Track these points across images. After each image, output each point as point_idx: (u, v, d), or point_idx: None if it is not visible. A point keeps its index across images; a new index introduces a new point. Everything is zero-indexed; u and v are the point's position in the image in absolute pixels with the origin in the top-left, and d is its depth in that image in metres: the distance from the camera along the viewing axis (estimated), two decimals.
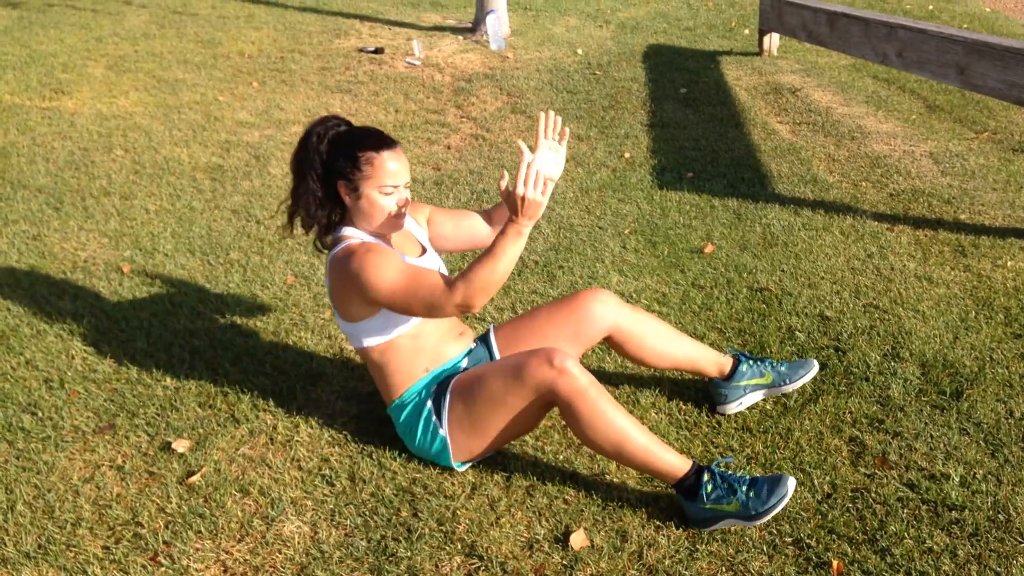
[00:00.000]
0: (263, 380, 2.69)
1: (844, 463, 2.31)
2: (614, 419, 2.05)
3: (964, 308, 3.08)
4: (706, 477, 2.05)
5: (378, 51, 6.61)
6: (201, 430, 2.45)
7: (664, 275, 3.42)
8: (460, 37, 7.25)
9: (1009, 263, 3.40)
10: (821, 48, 6.38)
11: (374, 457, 2.34)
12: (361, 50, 6.68)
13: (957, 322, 2.99)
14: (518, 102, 5.72)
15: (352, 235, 2.22)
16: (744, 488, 2.04)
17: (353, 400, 2.60)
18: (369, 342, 2.23)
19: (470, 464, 2.32)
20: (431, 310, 2.02)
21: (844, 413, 2.52)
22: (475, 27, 7.37)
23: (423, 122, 5.31)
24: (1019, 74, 3.55)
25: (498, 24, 7.12)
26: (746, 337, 2.94)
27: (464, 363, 2.38)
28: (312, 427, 2.46)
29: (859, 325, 3.00)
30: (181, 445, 2.38)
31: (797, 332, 2.96)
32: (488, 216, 2.55)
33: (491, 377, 2.17)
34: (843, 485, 2.23)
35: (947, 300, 3.14)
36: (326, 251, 2.29)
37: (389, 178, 2.17)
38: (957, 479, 2.23)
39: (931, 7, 7.13)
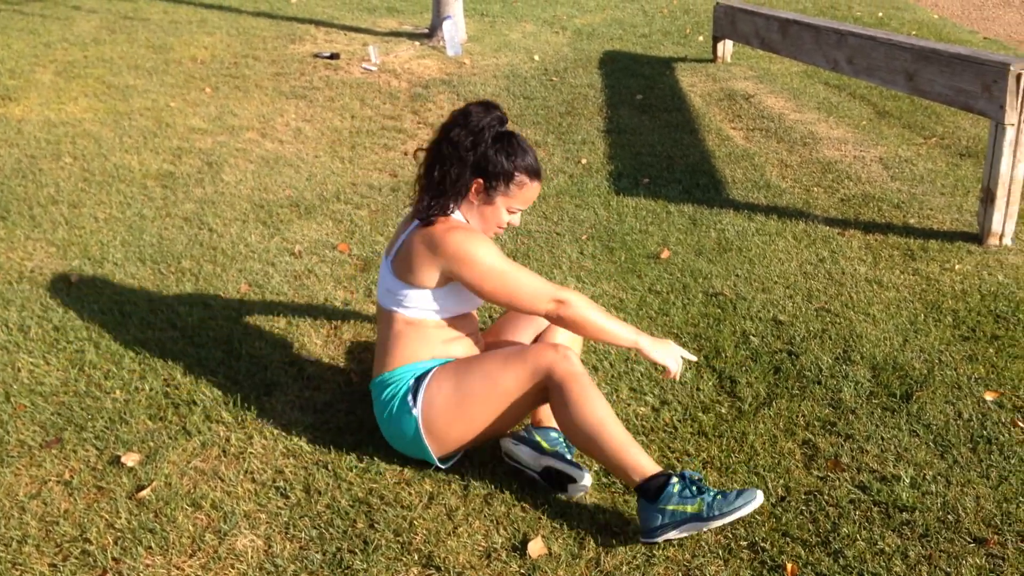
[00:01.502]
0: (216, 391, 2.65)
1: (798, 466, 2.34)
2: (599, 406, 2.10)
3: (913, 311, 3.14)
4: (675, 479, 2.04)
5: (334, 56, 6.57)
6: (152, 443, 2.41)
7: (621, 280, 3.44)
8: (417, 43, 7.23)
9: (957, 266, 3.46)
10: (774, 55, 6.46)
11: (330, 468, 2.31)
12: (316, 55, 6.63)
13: (907, 325, 3.04)
14: None
15: (461, 220, 2.28)
16: (713, 492, 2.04)
17: (308, 410, 2.57)
18: (406, 308, 2.27)
19: (451, 462, 2.31)
20: (533, 299, 2.18)
21: (797, 416, 2.55)
22: (432, 33, 7.35)
23: (379, 128, 5.29)
24: (966, 80, 3.62)
25: (455, 30, 7.11)
26: (702, 342, 2.96)
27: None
28: (266, 438, 2.43)
29: (811, 329, 3.03)
30: (131, 459, 2.33)
31: (751, 336, 2.99)
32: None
33: (488, 358, 2.23)
34: (797, 488, 2.25)
35: (897, 303, 3.20)
36: (419, 218, 2.25)
37: (524, 204, 2.31)
38: (907, 480, 2.26)
39: (880, 14, 7.25)
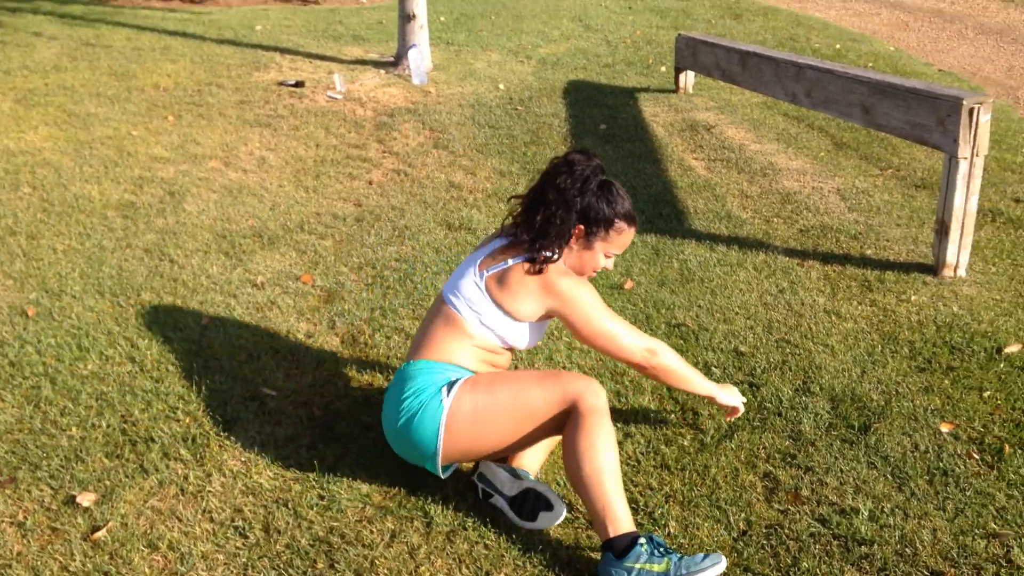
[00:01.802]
0: (174, 427, 2.62)
1: (759, 499, 2.35)
2: (610, 451, 2.14)
3: (871, 342, 3.18)
4: (643, 540, 2.05)
5: (299, 84, 6.57)
6: (108, 482, 2.37)
7: None
8: (382, 71, 7.25)
9: (913, 297, 3.52)
10: (734, 86, 6.56)
11: (290, 506, 2.29)
12: (281, 83, 6.62)
13: (864, 356, 3.09)
14: (440, 137, 5.73)
15: (558, 263, 2.37)
16: (678, 556, 2.05)
17: (269, 446, 2.55)
18: (478, 321, 2.34)
19: (447, 472, 2.31)
20: (631, 347, 2.33)
21: (758, 448, 2.57)
22: (397, 61, 7.38)
23: (344, 157, 5.28)
24: (920, 114, 3.70)
25: (420, 59, 7.14)
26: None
27: None
28: (225, 476, 2.41)
29: (772, 360, 3.07)
30: (86, 498, 2.29)
31: (713, 368, 3.01)
32: None
33: (523, 373, 2.32)
34: (758, 522, 2.26)
35: (855, 334, 3.24)
36: (528, 259, 2.34)
37: (619, 249, 2.44)
38: (866, 513, 2.28)
39: (838, 46, 7.40)
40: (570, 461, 2.14)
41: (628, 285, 3.67)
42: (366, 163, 5.21)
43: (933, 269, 3.71)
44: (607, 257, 2.44)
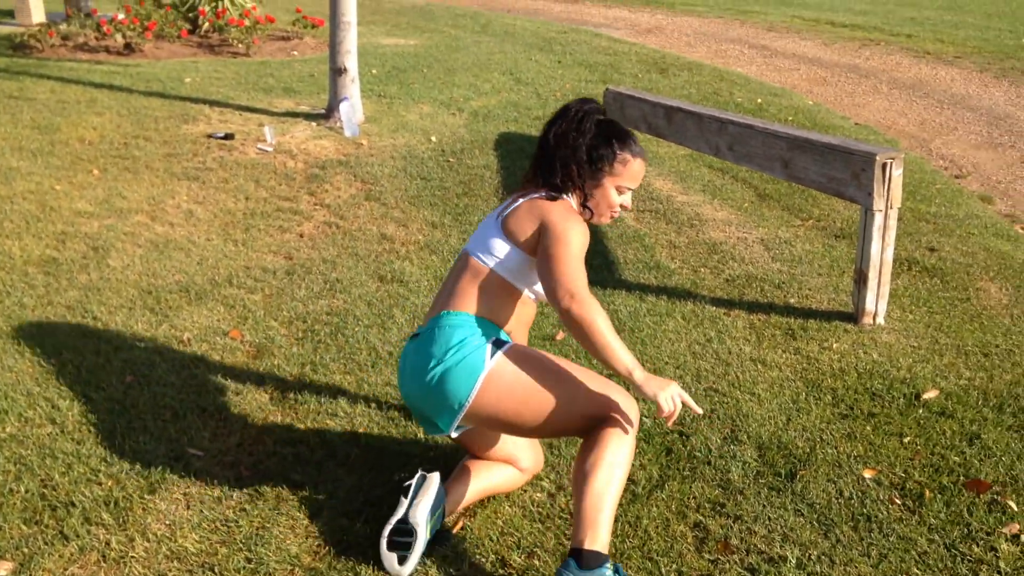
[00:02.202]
0: (96, 491, 2.55)
1: (689, 549, 2.38)
2: (625, 472, 2.17)
3: (795, 390, 3.26)
4: (610, 567, 2.08)
5: (228, 137, 6.53)
6: (26, 550, 2.29)
7: None
8: (313, 123, 7.25)
9: (835, 345, 3.62)
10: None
11: (216, 570, 2.24)
12: (210, 136, 6.57)
13: (789, 404, 3.16)
14: (372, 189, 5.74)
15: (572, 204, 2.40)
16: None
17: (195, 508, 2.49)
18: (497, 262, 2.34)
19: (457, 432, 2.34)
20: (561, 283, 2.18)
21: (688, 498, 2.60)
22: (329, 113, 7.39)
23: (275, 209, 5.25)
24: (836, 168, 3.84)
25: (352, 111, 7.16)
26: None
27: None
28: (149, 540, 2.34)
29: (701, 409, 3.11)
30: (3, 568, 2.21)
31: (644, 418, 3.05)
32: None
33: (574, 369, 2.29)
34: (689, 572, 2.28)
35: (780, 382, 3.32)
36: (542, 193, 2.38)
37: (631, 181, 2.44)
38: (794, 561, 2.32)
39: (760, 100, 7.65)
40: (585, 465, 2.16)
41: (559, 336, 3.71)
42: (297, 215, 5.19)
43: (853, 317, 3.83)
44: (620, 192, 2.46)
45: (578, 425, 2.24)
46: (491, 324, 2.36)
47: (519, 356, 2.27)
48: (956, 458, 2.82)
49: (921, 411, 3.10)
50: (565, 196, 2.41)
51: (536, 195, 2.38)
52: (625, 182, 2.45)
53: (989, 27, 10.09)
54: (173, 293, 4.03)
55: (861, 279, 3.76)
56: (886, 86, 8.15)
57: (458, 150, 6.86)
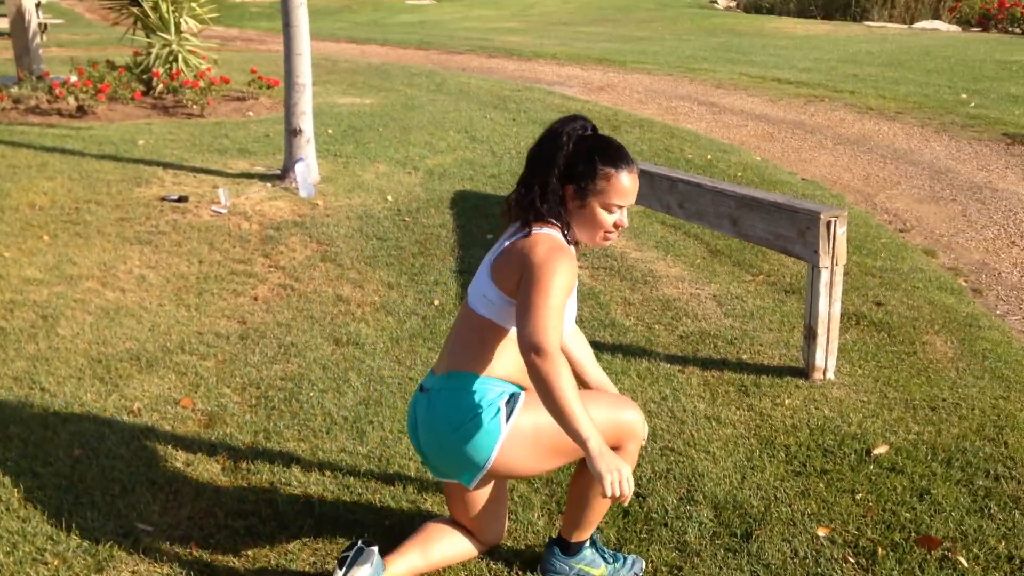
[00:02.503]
0: (43, 570, 2.48)
1: None
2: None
3: (749, 447, 3.29)
4: (587, 544, 2.41)
5: (182, 199, 6.50)
6: None
7: None
8: (269, 184, 7.25)
9: (787, 401, 3.67)
10: None
11: None
12: (164, 199, 6.54)
13: (744, 462, 3.18)
14: (328, 250, 5.74)
15: (557, 237, 2.25)
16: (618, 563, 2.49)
17: None
18: (492, 314, 2.28)
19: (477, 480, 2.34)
20: (523, 337, 2.08)
21: (646, 562, 2.60)
22: (284, 174, 7.40)
23: (228, 273, 5.22)
24: (783, 226, 3.92)
25: (307, 171, 7.18)
26: (553, 487, 3.00)
27: None
28: None
29: (657, 469, 3.13)
30: None
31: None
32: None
33: (589, 397, 2.28)
34: None
35: (734, 440, 3.34)
36: (521, 232, 2.28)
37: (618, 197, 2.24)
38: None
39: (709, 156, 7.80)
40: (586, 477, 2.34)
41: None
42: (251, 278, 5.16)
43: (804, 372, 3.89)
44: (609, 211, 2.26)
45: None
46: (501, 381, 2.30)
47: (534, 403, 2.23)
48: (907, 514, 2.85)
49: (872, 467, 3.14)
50: (549, 226, 2.26)
51: (520, 234, 2.26)
52: (612, 199, 2.25)
53: (928, 83, 10.44)
54: (123, 361, 3.98)
55: (810, 335, 3.82)
56: (831, 141, 8.36)
57: (414, 209, 6.89)
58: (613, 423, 2.31)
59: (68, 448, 3.19)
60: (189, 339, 4.26)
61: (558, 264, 2.14)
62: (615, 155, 2.25)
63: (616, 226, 2.29)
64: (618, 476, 1.99)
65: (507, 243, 2.29)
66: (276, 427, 3.41)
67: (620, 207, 2.27)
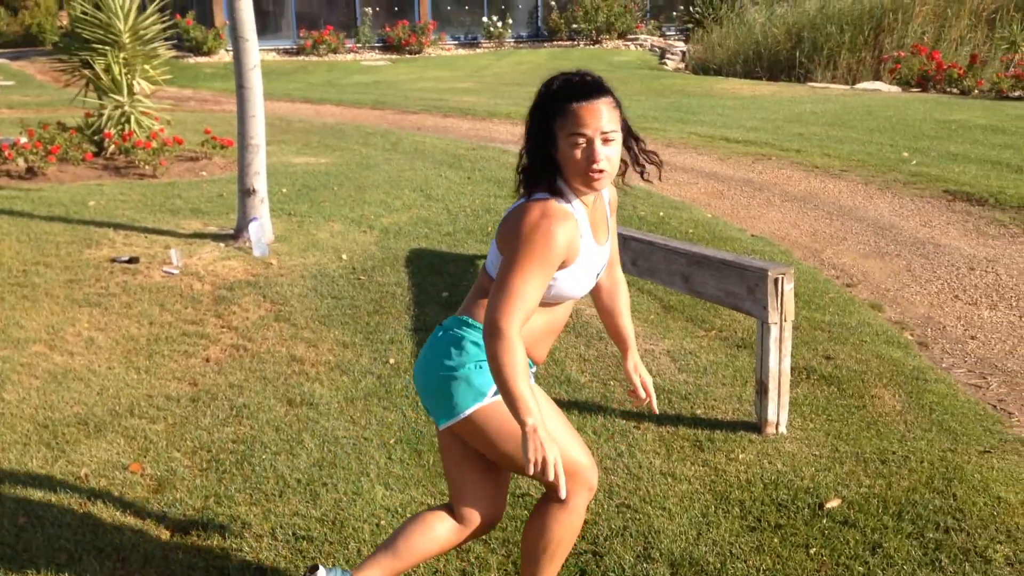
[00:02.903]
0: None
1: None
2: (568, 545, 2.43)
3: (705, 503, 3.30)
4: None
5: (132, 260, 6.44)
6: None
7: (430, 485, 3.44)
8: (222, 244, 7.21)
9: (741, 456, 3.70)
10: None
11: None
12: (114, 260, 6.47)
13: (699, 518, 3.19)
14: (281, 309, 5.70)
15: (550, 201, 2.22)
16: None
17: None
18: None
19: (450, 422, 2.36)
20: (488, 311, 2.13)
21: None
22: (237, 234, 7.37)
23: (180, 334, 5.16)
24: (732, 283, 4.00)
25: (261, 231, 7.16)
26: (509, 547, 2.98)
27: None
28: None
29: (613, 526, 3.12)
30: None
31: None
32: (603, 293, 2.69)
33: (558, 428, 2.33)
34: None
35: (690, 496, 3.36)
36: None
37: (575, 126, 2.16)
38: None
39: (662, 213, 7.94)
40: (537, 537, 2.40)
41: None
42: (203, 339, 5.10)
43: (757, 427, 3.93)
44: (575, 146, 2.17)
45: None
46: None
47: (491, 418, 2.32)
48: (860, 568, 2.88)
49: (825, 521, 3.17)
50: (544, 190, 2.24)
51: (519, 201, 2.29)
52: (571, 130, 2.17)
53: (871, 142, 10.77)
54: (71, 426, 3.89)
55: (762, 390, 3.87)
56: (779, 198, 8.56)
57: (369, 268, 6.89)
58: (562, 456, 2.31)
59: (13, 516, 3.11)
60: (138, 402, 4.19)
61: (541, 239, 2.14)
62: (570, 86, 2.21)
63: (592, 160, 2.18)
64: (540, 455, 2.05)
65: (509, 210, 2.31)
66: (227, 491, 3.36)
67: (582, 136, 2.18)
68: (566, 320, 2.48)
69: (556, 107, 2.20)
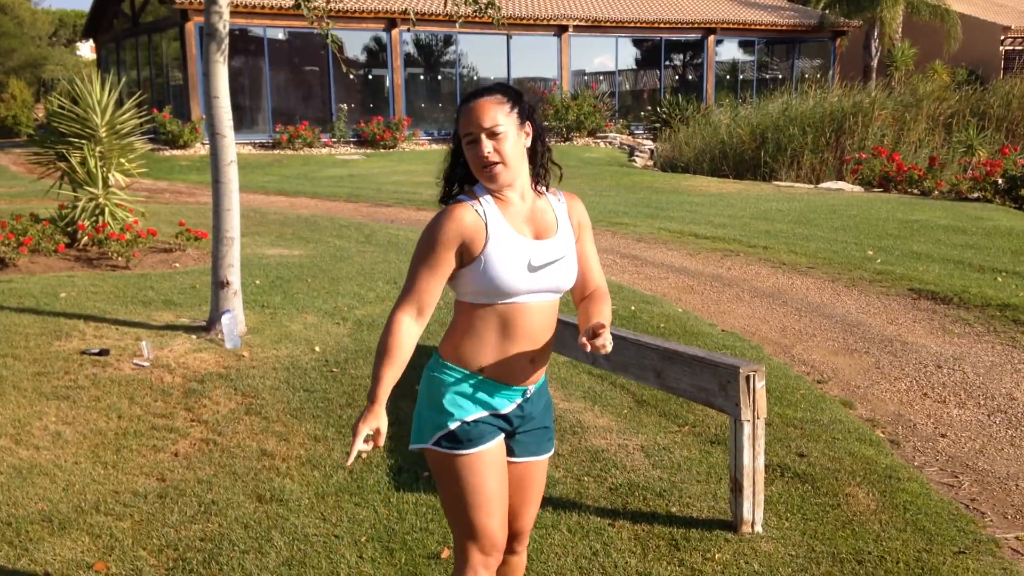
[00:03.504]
0: None
1: None
2: None
3: None
4: None
5: (102, 352, 6.38)
6: None
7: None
8: (194, 336, 7.17)
9: (717, 556, 3.67)
10: None
11: None
12: (84, 352, 6.41)
13: None
14: (253, 402, 5.65)
15: (453, 204, 2.44)
16: None
17: None
18: (456, 294, 2.50)
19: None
20: (398, 301, 2.45)
21: None
22: (210, 326, 7.34)
23: (148, 428, 5.09)
24: (704, 379, 4.03)
25: (233, 323, 7.14)
26: None
27: (507, 409, 2.50)
28: None
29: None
30: None
31: None
32: (582, 300, 2.73)
33: (473, 496, 2.47)
34: None
35: None
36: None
37: (465, 126, 2.38)
38: None
39: (633, 307, 8.02)
40: None
41: (445, 554, 3.64)
42: (172, 433, 5.03)
43: (733, 526, 3.91)
44: (468, 143, 2.41)
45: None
46: (468, 371, 2.46)
47: (437, 462, 2.47)
48: None
49: None
50: (464, 193, 2.49)
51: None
52: (462, 130, 2.43)
53: (836, 239, 11.02)
54: (35, 524, 3.80)
55: (737, 488, 3.87)
56: (748, 294, 8.69)
57: (342, 360, 6.87)
58: (467, 519, 2.46)
59: None
60: (105, 498, 4.11)
61: (426, 233, 2.41)
62: (469, 94, 2.45)
63: (479, 155, 2.39)
64: (354, 425, 2.41)
65: None
66: None
67: (470, 134, 2.40)
68: (535, 334, 2.50)
69: (457, 114, 2.45)
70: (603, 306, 2.65)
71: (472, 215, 2.40)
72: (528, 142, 2.47)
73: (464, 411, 2.48)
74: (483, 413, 2.51)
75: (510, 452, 2.62)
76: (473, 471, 2.46)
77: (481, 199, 2.44)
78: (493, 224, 2.41)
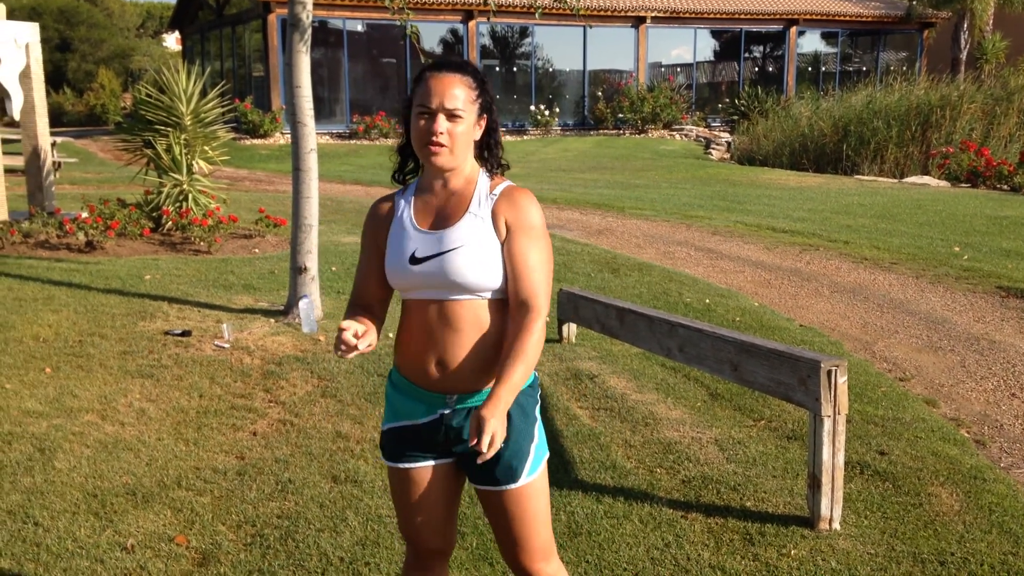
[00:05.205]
0: None
1: None
2: None
3: None
4: None
5: (185, 334, 6.55)
6: None
7: (473, 569, 3.39)
8: (272, 320, 7.31)
9: (793, 552, 3.60)
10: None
11: None
12: (167, 333, 6.59)
13: None
14: (329, 385, 5.74)
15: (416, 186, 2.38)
16: None
17: None
18: None
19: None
20: None
21: None
22: (288, 310, 7.48)
23: (228, 407, 5.21)
24: (783, 373, 3.95)
25: (311, 307, 7.24)
26: None
27: (425, 420, 2.34)
28: None
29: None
30: None
31: None
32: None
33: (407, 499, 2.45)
34: None
35: None
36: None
37: (422, 96, 2.16)
38: None
39: (708, 301, 7.91)
40: None
41: None
42: (251, 413, 5.14)
43: (810, 522, 3.83)
44: (419, 115, 2.17)
45: None
46: (395, 365, 2.44)
47: (390, 471, 2.48)
48: None
49: None
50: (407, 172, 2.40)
51: None
52: (420, 100, 2.17)
53: (921, 235, 10.69)
54: (119, 496, 3.92)
55: (815, 484, 3.79)
56: (827, 289, 8.50)
57: None
58: (398, 518, 2.49)
59: None
60: (186, 474, 4.21)
61: (366, 222, 2.39)
62: (435, 62, 2.21)
63: (431, 132, 2.16)
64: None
65: None
66: (271, 567, 3.34)
67: (427, 107, 2.16)
68: (434, 333, 2.25)
69: (416, 79, 2.21)
70: (516, 345, 2.18)
71: (388, 205, 2.34)
72: (478, 135, 2.27)
73: (387, 418, 2.43)
74: (402, 423, 2.36)
75: (467, 471, 2.39)
76: (393, 479, 2.43)
77: (412, 183, 2.35)
78: (398, 213, 2.30)
